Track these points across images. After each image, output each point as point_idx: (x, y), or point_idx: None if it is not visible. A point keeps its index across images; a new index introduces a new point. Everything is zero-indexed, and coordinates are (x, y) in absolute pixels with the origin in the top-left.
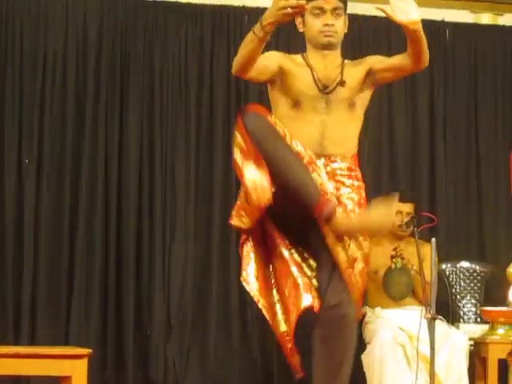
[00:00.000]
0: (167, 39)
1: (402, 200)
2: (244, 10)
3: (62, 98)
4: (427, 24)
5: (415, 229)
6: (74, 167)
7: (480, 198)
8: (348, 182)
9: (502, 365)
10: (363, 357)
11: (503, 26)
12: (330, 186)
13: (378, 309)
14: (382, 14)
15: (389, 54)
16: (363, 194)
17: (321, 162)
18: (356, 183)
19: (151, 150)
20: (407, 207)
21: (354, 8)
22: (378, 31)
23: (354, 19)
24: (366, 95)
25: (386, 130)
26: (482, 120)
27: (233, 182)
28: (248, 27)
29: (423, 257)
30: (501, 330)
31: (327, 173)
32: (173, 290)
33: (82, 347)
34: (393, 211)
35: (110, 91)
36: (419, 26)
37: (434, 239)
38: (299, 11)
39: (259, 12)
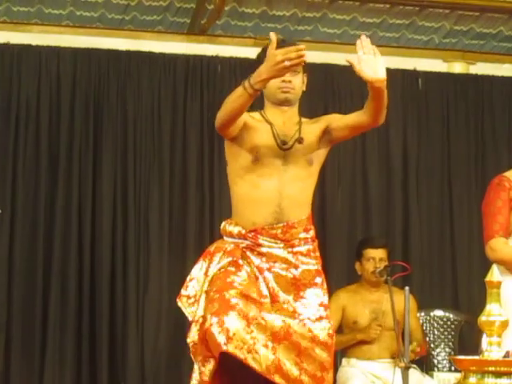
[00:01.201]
0: (140, 89)
1: (375, 246)
2: (217, 59)
3: (35, 147)
4: (400, 73)
5: (388, 277)
6: (47, 218)
7: (454, 246)
8: (304, 248)
9: None
10: None
11: (475, 75)
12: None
13: (353, 359)
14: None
15: (362, 103)
16: (318, 253)
17: (278, 231)
18: (311, 246)
19: (125, 200)
20: (380, 253)
21: (326, 58)
22: (351, 80)
23: (328, 68)
24: (323, 153)
25: (360, 180)
26: (456, 171)
27: (206, 233)
28: (221, 76)
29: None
30: (473, 379)
31: (285, 240)
32: (147, 340)
33: None
34: None
35: (83, 141)
36: (384, 85)
37: (407, 288)
38: (298, 63)
39: (232, 62)
